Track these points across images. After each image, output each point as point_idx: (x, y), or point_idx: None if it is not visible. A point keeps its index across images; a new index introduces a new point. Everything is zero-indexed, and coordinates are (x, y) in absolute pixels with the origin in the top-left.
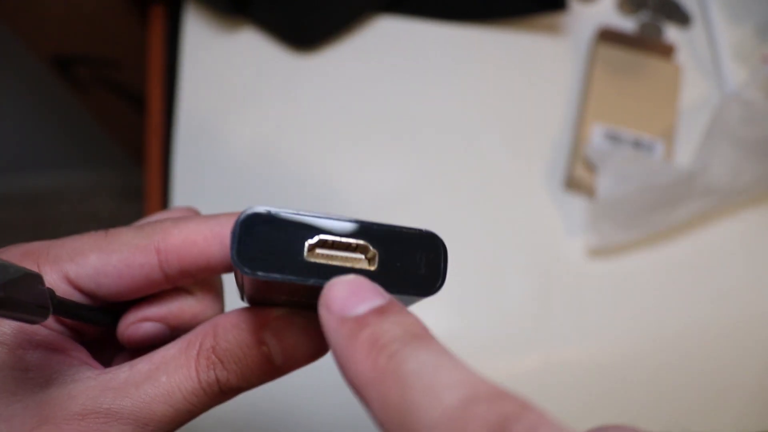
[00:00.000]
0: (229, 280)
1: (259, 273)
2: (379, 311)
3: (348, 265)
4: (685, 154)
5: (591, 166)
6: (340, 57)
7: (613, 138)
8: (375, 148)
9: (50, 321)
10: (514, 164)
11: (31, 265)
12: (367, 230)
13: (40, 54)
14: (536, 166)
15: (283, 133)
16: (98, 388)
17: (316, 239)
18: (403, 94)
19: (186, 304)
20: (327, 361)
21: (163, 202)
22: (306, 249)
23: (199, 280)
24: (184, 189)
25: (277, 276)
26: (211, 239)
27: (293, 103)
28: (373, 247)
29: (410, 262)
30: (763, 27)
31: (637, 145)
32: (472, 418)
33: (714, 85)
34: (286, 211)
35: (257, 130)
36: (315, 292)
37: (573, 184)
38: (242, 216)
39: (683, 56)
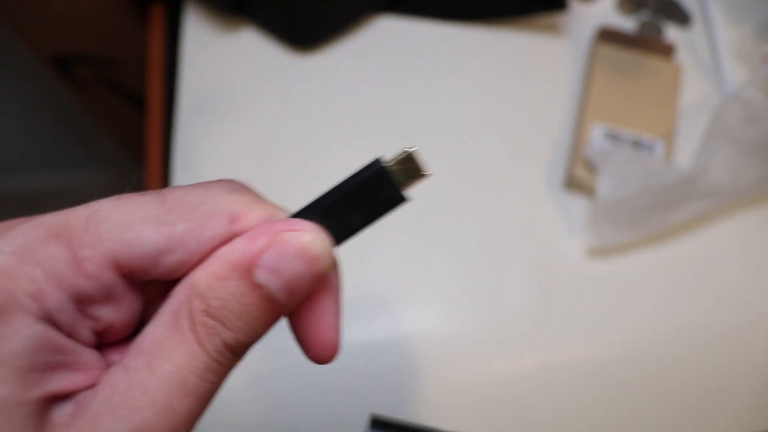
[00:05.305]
0: None
1: None
2: None
3: None
4: (685, 154)
5: (591, 167)
6: (340, 57)
7: (613, 138)
8: (374, 148)
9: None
10: (514, 164)
11: (62, 250)
12: None
13: (40, 54)
14: (536, 166)
15: (283, 133)
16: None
17: None
18: (402, 94)
19: None
20: None
21: None
22: None
23: None
24: None
25: None
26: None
27: (293, 103)
28: None
29: None
30: (763, 27)
31: (637, 145)
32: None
33: (714, 85)
34: None
35: (257, 130)
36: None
37: (573, 184)
38: None
39: (683, 56)
